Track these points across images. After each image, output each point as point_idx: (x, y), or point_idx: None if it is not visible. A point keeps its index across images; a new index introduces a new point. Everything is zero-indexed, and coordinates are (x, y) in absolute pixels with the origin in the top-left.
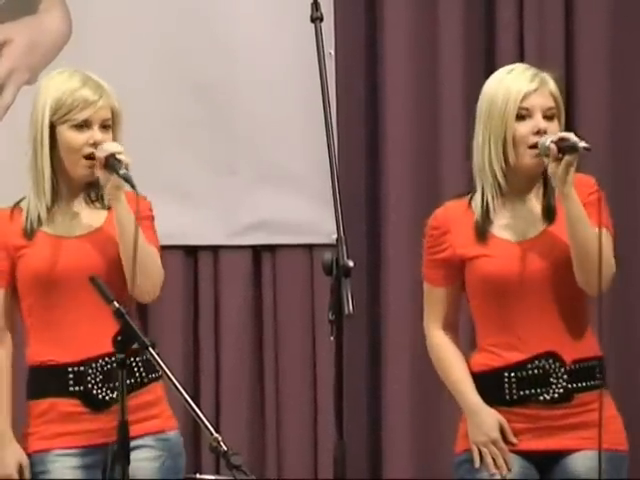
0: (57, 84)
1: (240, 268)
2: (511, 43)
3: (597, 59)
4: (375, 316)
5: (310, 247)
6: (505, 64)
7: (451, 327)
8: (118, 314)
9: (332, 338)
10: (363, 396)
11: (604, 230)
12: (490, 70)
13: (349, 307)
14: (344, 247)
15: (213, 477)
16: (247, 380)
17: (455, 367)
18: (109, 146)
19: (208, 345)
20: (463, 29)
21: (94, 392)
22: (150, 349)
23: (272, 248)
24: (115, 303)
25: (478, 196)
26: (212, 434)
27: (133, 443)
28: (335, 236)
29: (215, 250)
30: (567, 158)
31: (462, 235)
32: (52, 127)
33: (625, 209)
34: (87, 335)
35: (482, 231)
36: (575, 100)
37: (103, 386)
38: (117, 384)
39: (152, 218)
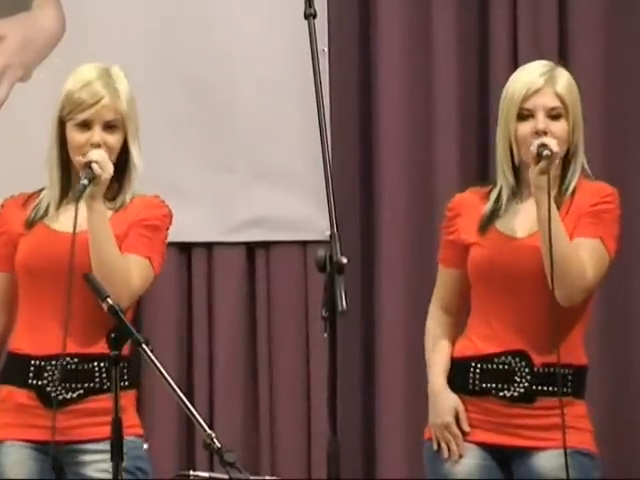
0: (72, 78)
1: (234, 265)
2: (505, 40)
3: (591, 57)
4: (369, 313)
5: (304, 244)
6: (499, 62)
7: (451, 310)
8: (112, 311)
9: (325, 335)
10: (357, 393)
11: (592, 241)
12: (484, 67)
13: (343, 304)
14: (338, 244)
15: (207, 474)
16: (241, 377)
17: (431, 350)
18: (91, 154)
19: (202, 342)
20: (457, 26)
21: (48, 389)
22: (144, 346)
23: (266, 245)
24: (109, 300)
25: (496, 189)
26: (205, 431)
27: (79, 447)
28: (329, 233)
29: (209, 247)
30: (540, 164)
31: (469, 221)
32: (62, 123)
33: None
34: (56, 331)
35: (485, 223)
36: None
37: (60, 385)
38: (75, 385)
39: (155, 228)
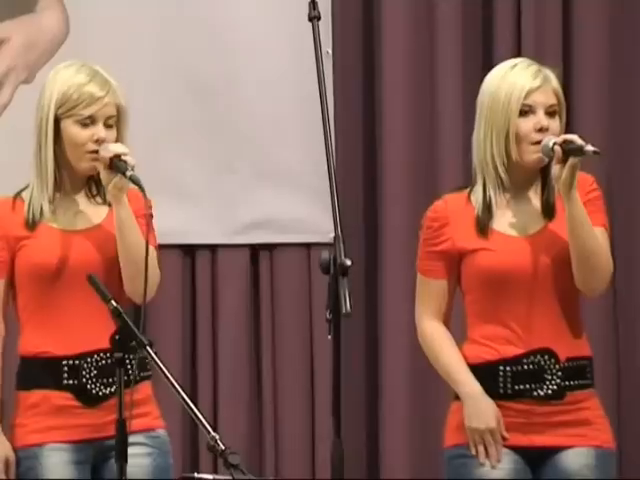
0: (64, 77)
1: (238, 267)
2: (509, 40)
3: (595, 55)
4: (373, 315)
5: (308, 246)
6: (503, 60)
7: (444, 320)
8: (116, 313)
9: (330, 337)
10: (361, 395)
11: (602, 230)
12: (488, 66)
13: (347, 306)
14: (342, 246)
15: (211, 476)
16: (245, 379)
17: (451, 355)
18: (114, 147)
19: (206, 344)
20: (461, 26)
21: (88, 387)
22: (148, 348)
23: (270, 247)
24: (113, 302)
25: (479, 190)
26: (210, 433)
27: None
28: (333, 235)
29: (213, 249)
30: (572, 161)
31: (462, 228)
32: (57, 121)
33: (623, 208)
34: (84, 329)
35: (483, 225)
36: (573, 97)
37: (97, 381)
38: (111, 380)
39: (150, 217)
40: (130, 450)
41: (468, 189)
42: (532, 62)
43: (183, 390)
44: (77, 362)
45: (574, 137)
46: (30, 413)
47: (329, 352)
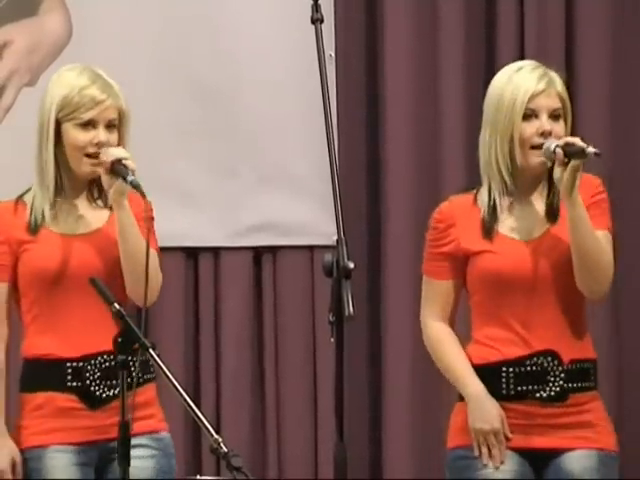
0: (66, 80)
1: (241, 270)
2: (512, 41)
3: (598, 57)
4: (376, 318)
5: (311, 248)
6: (505, 64)
7: (448, 321)
8: (118, 315)
9: (332, 340)
10: (364, 397)
11: (606, 233)
12: (491, 69)
13: (349, 309)
14: (344, 248)
15: (214, 479)
16: (248, 382)
17: (456, 356)
18: (115, 151)
19: (209, 347)
20: (464, 28)
21: (92, 388)
22: (150, 350)
23: (273, 250)
24: (115, 305)
25: (485, 192)
26: (212, 435)
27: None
28: (336, 237)
29: (216, 252)
30: (573, 163)
31: (468, 230)
32: (58, 124)
33: (626, 210)
34: (88, 332)
35: (488, 227)
36: (575, 99)
37: (101, 383)
38: (114, 382)
39: (151, 219)
40: (133, 452)
41: (474, 191)
42: (538, 65)
43: (186, 392)
44: (81, 364)
45: (575, 140)
46: (34, 415)
47: (332, 355)
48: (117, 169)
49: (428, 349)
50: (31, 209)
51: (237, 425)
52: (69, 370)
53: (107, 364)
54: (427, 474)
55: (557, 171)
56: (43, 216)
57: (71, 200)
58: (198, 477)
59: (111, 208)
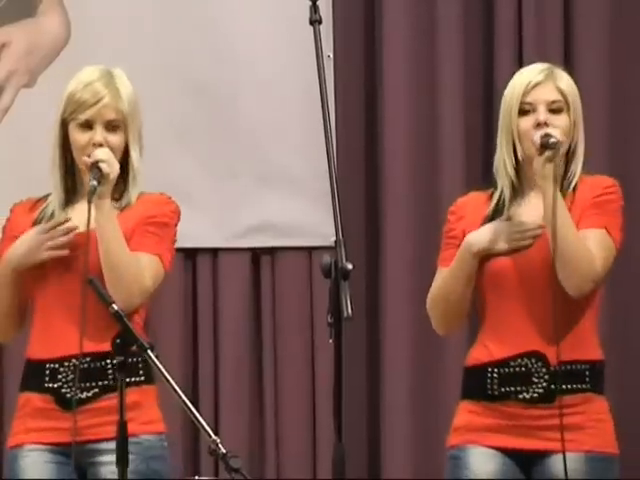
0: (73, 81)
1: (239, 271)
2: (510, 44)
3: (596, 59)
4: (374, 319)
5: (309, 250)
6: (504, 66)
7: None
8: (117, 316)
9: (331, 341)
10: (362, 398)
11: (599, 231)
12: (489, 70)
13: (348, 310)
14: (343, 250)
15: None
16: (246, 383)
17: (444, 271)
18: (97, 153)
19: (207, 348)
20: (462, 30)
21: (63, 390)
22: (149, 351)
23: (271, 251)
24: (114, 305)
25: (497, 192)
26: (211, 437)
27: (95, 447)
28: (334, 239)
29: (214, 253)
30: (546, 154)
31: (473, 224)
32: (65, 125)
33: (625, 209)
34: (68, 333)
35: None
36: None
37: (74, 385)
38: (89, 384)
39: (163, 224)
40: (102, 458)
41: (492, 190)
42: (547, 65)
43: (184, 393)
44: (56, 365)
45: (553, 131)
46: (17, 415)
47: (330, 356)
48: (92, 171)
49: (435, 306)
50: (44, 207)
51: (235, 426)
52: (47, 372)
53: (82, 366)
54: (426, 474)
55: (535, 161)
56: (52, 215)
57: (81, 200)
58: (196, 478)
59: (120, 209)
